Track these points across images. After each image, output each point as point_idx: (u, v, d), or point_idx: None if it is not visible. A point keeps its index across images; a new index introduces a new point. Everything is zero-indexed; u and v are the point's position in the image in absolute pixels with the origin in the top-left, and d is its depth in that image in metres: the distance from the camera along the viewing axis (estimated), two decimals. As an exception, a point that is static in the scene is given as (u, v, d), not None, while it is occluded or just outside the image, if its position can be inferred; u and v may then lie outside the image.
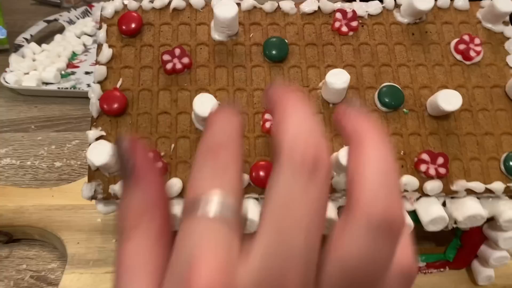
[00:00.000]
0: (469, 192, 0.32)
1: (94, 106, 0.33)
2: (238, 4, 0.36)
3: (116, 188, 0.31)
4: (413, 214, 0.33)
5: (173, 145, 0.32)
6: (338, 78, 0.31)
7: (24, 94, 0.67)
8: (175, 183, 0.31)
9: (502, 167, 0.33)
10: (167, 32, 0.35)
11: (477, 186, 0.32)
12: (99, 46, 0.35)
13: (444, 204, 0.33)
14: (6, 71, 0.68)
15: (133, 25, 0.34)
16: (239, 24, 0.35)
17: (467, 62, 0.35)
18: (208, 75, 0.34)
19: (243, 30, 0.35)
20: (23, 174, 0.52)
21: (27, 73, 0.69)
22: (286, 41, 0.35)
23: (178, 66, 0.33)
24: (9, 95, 0.66)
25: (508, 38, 0.36)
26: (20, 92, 0.67)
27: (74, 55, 0.79)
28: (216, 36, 0.35)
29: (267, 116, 0.32)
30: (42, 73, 0.69)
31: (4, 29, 0.65)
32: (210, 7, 0.36)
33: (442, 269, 0.38)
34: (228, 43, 0.35)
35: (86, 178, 0.32)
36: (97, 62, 0.34)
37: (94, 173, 0.32)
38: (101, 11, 0.35)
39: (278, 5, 0.36)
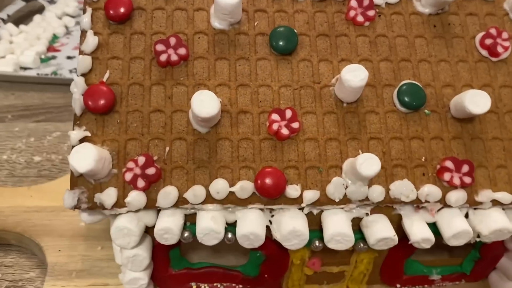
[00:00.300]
0: (495, 203, 0.29)
1: (77, 103, 0.28)
2: (242, -12, 0.32)
3: (103, 197, 0.27)
4: (433, 226, 0.30)
5: (167, 148, 0.28)
6: (355, 75, 0.28)
7: None
8: (169, 192, 0.27)
9: (531, 176, 0.30)
10: (161, 18, 0.31)
11: (504, 196, 0.29)
12: (83, 33, 0.30)
13: (466, 215, 0.30)
14: (-21, 54, 0.62)
15: (122, 10, 0.30)
16: (242, 11, 0.31)
17: (494, 59, 0.32)
18: (208, 68, 0.30)
19: (247, 17, 0.31)
20: (-2, 169, 0.47)
21: (3, 57, 0.65)
22: (295, 31, 0.31)
23: (174, 57, 0.29)
24: (-18, 80, 0.62)
25: (538, 33, 0.33)
26: (-5, 77, 0.62)
27: (55, 37, 0.74)
28: (217, 24, 0.31)
29: (274, 116, 0.29)
30: (20, 57, 0.64)
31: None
32: (209, -10, 0.32)
33: (457, 282, 0.35)
34: (230, 32, 0.31)
35: (68, 176, 0.28)
36: (80, 52, 0.30)
37: (77, 180, 0.28)
38: (85, -7, 0.31)
39: (286, -10, 0.32)
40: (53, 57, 0.68)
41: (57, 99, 0.59)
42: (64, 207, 0.38)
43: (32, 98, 0.59)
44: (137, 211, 0.28)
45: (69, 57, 0.68)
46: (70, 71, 0.64)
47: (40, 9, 0.83)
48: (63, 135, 0.53)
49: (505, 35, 0.32)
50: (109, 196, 0.27)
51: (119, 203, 0.27)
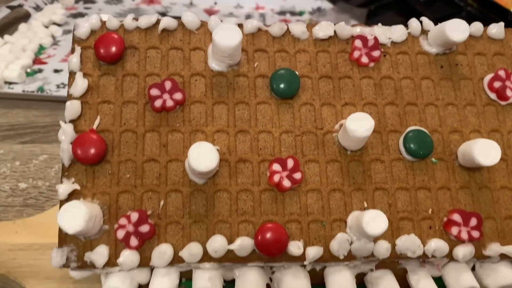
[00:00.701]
0: (503, 257, 0.28)
1: (65, 152, 0.27)
2: (240, 26, 0.30)
3: (93, 256, 0.26)
4: (438, 280, 0.29)
5: (162, 201, 0.27)
6: (361, 125, 0.26)
7: (-17, 96, 0.59)
8: (164, 251, 0.26)
9: (540, 228, 0.29)
10: (155, 59, 0.29)
11: (513, 250, 0.28)
12: (72, 75, 0.28)
13: (473, 268, 0.29)
14: (-39, 68, 0.60)
15: (113, 49, 0.28)
16: (241, 51, 0.29)
17: (502, 102, 0.31)
18: (205, 113, 0.28)
19: (246, 58, 0.30)
20: (-18, 198, 0.45)
21: (-13, 71, 0.62)
22: (297, 73, 0.29)
23: (169, 103, 0.28)
24: (-35, 96, 0.59)
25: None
26: (-22, 93, 0.59)
27: (41, 48, 0.71)
28: (215, 65, 0.29)
29: (275, 166, 0.27)
30: (5, 71, 0.62)
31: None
32: (206, 28, 0.30)
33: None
34: (228, 74, 0.29)
35: (57, 206, 0.27)
36: (69, 96, 0.28)
37: (66, 237, 0.26)
38: (73, 31, 0.29)
39: (288, 28, 0.31)
40: (40, 71, 0.65)
41: (44, 117, 0.57)
42: (51, 244, 0.37)
43: (17, 116, 0.57)
44: (129, 270, 0.26)
45: (56, 70, 0.66)
46: (58, 86, 0.62)
47: (26, 16, 0.80)
48: (50, 158, 0.51)
49: (514, 77, 0.31)
50: (100, 255, 0.26)
51: (111, 262, 0.26)
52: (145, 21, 0.29)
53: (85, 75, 0.28)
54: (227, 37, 0.27)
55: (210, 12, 0.91)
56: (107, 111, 0.28)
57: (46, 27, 0.78)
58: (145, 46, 0.29)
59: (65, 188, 0.26)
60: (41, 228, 0.39)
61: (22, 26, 0.75)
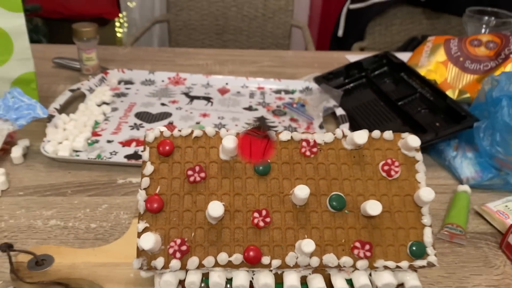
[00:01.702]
0: (386, 267, 0.50)
1: (141, 206, 0.49)
2: (237, 135, 0.53)
3: (156, 263, 0.48)
4: (349, 281, 0.50)
5: (193, 233, 0.49)
6: (302, 192, 0.49)
7: (59, 161, 0.83)
8: (194, 260, 0.48)
9: (408, 251, 0.50)
10: (190, 153, 0.52)
11: (391, 264, 0.50)
12: (144, 163, 0.51)
13: (370, 275, 0.50)
14: (44, 141, 0.84)
15: (167, 148, 0.51)
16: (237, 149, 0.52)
17: (389, 178, 0.53)
18: (217, 184, 0.51)
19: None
20: (67, 233, 0.67)
21: (61, 143, 0.85)
22: (269, 161, 0.52)
23: (197, 178, 0.50)
24: (46, 161, 0.82)
25: (417, 161, 0.54)
26: (55, 160, 0.83)
27: (96, 123, 0.95)
28: (223, 156, 0.52)
29: (255, 214, 0.49)
30: (73, 143, 0.85)
31: (45, 109, 0.82)
32: (219, 135, 0.53)
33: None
34: (230, 162, 0.52)
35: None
36: (142, 175, 0.51)
37: (141, 252, 0.48)
38: (145, 138, 0.52)
39: (265, 135, 0.54)
40: (97, 141, 0.89)
41: (102, 177, 0.80)
42: (118, 263, 0.59)
43: (83, 176, 0.80)
44: (175, 271, 0.48)
45: (108, 141, 0.89)
46: (110, 153, 0.85)
47: (82, 96, 1.05)
48: (109, 206, 0.73)
49: (396, 163, 0.53)
50: (159, 262, 0.47)
51: (165, 266, 0.48)
52: (185, 132, 0.52)
53: (151, 163, 0.51)
54: (229, 141, 0.50)
55: (222, 91, 1.14)
56: (163, 183, 0.51)
57: (99, 105, 1.02)
58: (184, 146, 0.52)
59: (141, 226, 0.48)
60: (110, 253, 0.61)
61: (81, 106, 0.99)
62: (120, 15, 2.84)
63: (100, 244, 0.65)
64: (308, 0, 2.57)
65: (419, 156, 0.54)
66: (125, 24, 2.89)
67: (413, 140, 0.53)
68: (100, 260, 0.60)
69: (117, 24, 2.96)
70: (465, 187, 0.80)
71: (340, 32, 1.87)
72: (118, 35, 3.00)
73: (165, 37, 2.36)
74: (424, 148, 0.89)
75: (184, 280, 0.49)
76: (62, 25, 2.66)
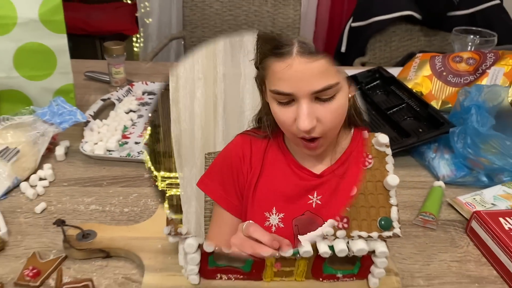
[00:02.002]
0: (360, 237, 0.63)
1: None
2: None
3: (181, 229, 0.62)
4: (331, 247, 0.63)
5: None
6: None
7: (95, 159, 0.98)
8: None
9: (378, 225, 0.64)
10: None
11: (364, 234, 0.63)
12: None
13: (348, 243, 0.64)
14: (82, 142, 0.99)
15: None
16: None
17: (364, 168, 0.67)
18: (228, 171, 0.65)
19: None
20: (105, 216, 0.82)
21: (96, 143, 1.00)
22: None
23: (213, 166, 0.65)
24: (84, 158, 0.98)
25: (387, 155, 0.68)
26: (92, 157, 0.98)
27: (125, 128, 1.10)
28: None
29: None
30: (107, 144, 1.00)
31: (84, 115, 0.97)
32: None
33: (351, 279, 0.68)
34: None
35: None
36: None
37: (170, 221, 0.62)
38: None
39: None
40: (126, 143, 1.04)
41: (132, 171, 0.95)
42: (147, 237, 0.73)
43: (116, 171, 0.95)
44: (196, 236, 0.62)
45: (136, 143, 1.04)
46: (138, 152, 1.00)
47: (111, 104, 1.21)
48: (139, 195, 0.88)
49: (370, 156, 0.67)
50: (183, 229, 0.62)
51: (188, 233, 0.62)
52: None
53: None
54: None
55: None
56: (186, 169, 0.65)
57: (127, 113, 1.18)
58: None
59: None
60: (141, 230, 0.76)
61: (112, 113, 1.14)
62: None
63: (132, 224, 0.80)
64: (314, 18, 2.73)
65: (388, 150, 0.68)
66: (141, 39, 3.08)
67: (383, 138, 0.67)
68: (134, 235, 0.75)
69: (134, 39, 3.14)
70: (440, 183, 0.93)
71: (343, 48, 2.02)
72: (135, 49, 3.19)
73: (181, 52, 2.53)
74: (407, 150, 1.03)
75: (202, 244, 0.63)
76: (85, 40, 2.85)
